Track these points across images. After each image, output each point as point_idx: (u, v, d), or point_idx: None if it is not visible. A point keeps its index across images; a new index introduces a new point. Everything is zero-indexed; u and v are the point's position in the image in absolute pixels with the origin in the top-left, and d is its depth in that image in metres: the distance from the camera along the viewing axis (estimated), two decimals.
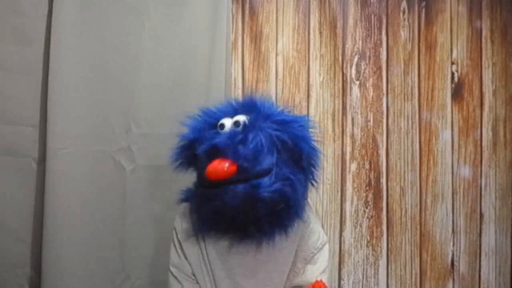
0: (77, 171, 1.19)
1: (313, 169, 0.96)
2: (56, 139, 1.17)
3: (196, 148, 0.92)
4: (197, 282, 0.99)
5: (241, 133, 0.88)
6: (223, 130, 0.92)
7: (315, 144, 0.95)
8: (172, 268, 1.01)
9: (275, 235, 0.93)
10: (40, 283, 1.17)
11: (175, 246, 1.02)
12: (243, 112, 0.94)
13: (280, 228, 0.93)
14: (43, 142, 1.19)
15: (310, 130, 0.96)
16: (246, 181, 0.85)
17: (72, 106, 1.19)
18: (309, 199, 1.03)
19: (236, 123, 0.92)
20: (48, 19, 1.19)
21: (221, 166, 0.84)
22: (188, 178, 1.25)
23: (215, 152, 0.86)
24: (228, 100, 1.08)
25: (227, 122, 0.94)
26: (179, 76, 1.27)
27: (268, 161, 0.87)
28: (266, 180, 0.85)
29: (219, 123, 0.94)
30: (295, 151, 0.91)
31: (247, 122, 0.91)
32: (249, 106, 0.96)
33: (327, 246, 1.02)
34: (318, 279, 0.92)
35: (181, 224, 1.03)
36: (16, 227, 1.20)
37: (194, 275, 0.99)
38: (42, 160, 1.20)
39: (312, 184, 0.98)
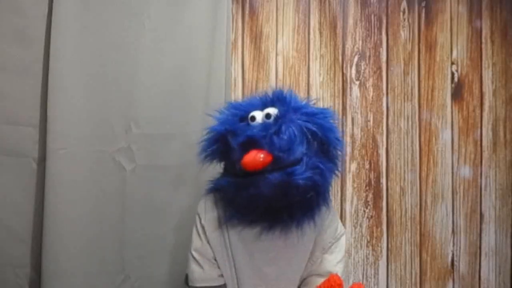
0: (77, 171, 1.19)
1: (337, 160, 0.99)
2: (56, 139, 1.17)
3: (226, 141, 0.94)
4: (218, 267, 1.01)
5: (274, 125, 0.91)
6: (254, 123, 0.95)
7: (339, 135, 0.99)
8: (193, 252, 1.02)
9: (305, 221, 0.96)
10: (40, 283, 1.17)
11: (197, 230, 1.04)
12: (272, 105, 0.97)
13: (309, 215, 0.96)
14: (43, 142, 1.19)
15: (335, 122, 1.00)
16: (280, 169, 0.87)
17: (72, 106, 1.19)
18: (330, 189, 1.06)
19: (268, 116, 0.94)
20: (48, 19, 1.19)
21: (258, 157, 0.86)
22: (189, 177, 1.26)
23: (251, 144, 0.88)
24: (255, 94, 1.11)
25: (258, 115, 0.96)
26: (179, 76, 1.27)
27: (300, 151, 0.90)
28: (298, 168, 0.88)
29: (250, 115, 0.96)
30: (323, 142, 0.94)
31: (278, 114, 0.93)
32: (277, 99, 0.99)
33: (344, 237, 1.05)
34: (334, 272, 0.93)
35: (205, 210, 1.04)
36: (16, 227, 1.20)
37: (215, 259, 1.01)
38: (42, 160, 1.19)
39: (336, 174, 1.01)
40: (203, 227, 1.02)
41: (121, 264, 1.24)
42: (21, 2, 1.19)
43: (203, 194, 1.05)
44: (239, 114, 0.99)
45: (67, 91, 1.18)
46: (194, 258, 1.02)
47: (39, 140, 1.20)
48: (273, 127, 0.90)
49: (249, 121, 0.96)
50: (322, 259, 1.01)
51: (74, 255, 1.18)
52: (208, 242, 1.01)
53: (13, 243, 1.20)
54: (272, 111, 0.95)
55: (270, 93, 1.02)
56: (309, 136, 0.92)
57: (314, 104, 1.04)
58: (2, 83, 1.19)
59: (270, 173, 0.87)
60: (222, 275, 1.01)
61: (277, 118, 0.93)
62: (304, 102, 1.00)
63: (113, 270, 1.24)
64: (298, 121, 0.92)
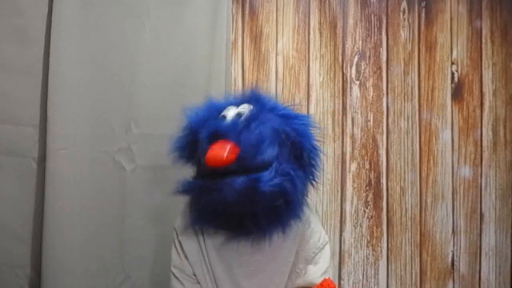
0: (77, 171, 1.19)
1: (313, 168, 0.95)
2: (56, 139, 1.17)
3: (197, 138, 0.91)
4: (198, 282, 0.99)
5: (244, 122, 0.87)
6: (226, 119, 0.92)
7: (316, 143, 0.95)
8: (173, 269, 1.01)
9: (273, 232, 0.92)
10: (40, 283, 1.17)
11: (175, 246, 1.02)
12: (247, 103, 0.94)
13: (278, 225, 0.92)
14: (43, 142, 1.19)
15: (312, 129, 0.96)
16: (246, 173, 0.83)
17: (72, 106, 1.19)
18: (309, 199, 1.03)
19: (239, 114, 0.91)
20: (48, 19, 1.19)
21: (221, 152, 0.81)
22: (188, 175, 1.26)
23: (217, 136, 0.85)
24: (232, 93, 1.08)
25: (231, 112, 0.93)
26: (179, 76, 1.27)
27: (269, 153, 0.86)
28: (266, 174, 0.84)
29: (223, 113, 0.94)
30: (296, 148, 0.90)
31: (251, 112, 0.90)
32: (253, 98, 0.96)
33: (328, 246, 1.01)
34: (326, 277, 0.91)
35: (180, 223, 1.03)
36: (16, 227, 1.20)
37: (195, 275, 0.99)
38: (42, 160, 1.19)
39: (312, 184, 0.98)
40: (180, 243, 1.01)
41: (121, 264, 1.24)
42: (21, 2, 1.19)
43: (171, 194, 0.98)
44: (213, 112, 0.96)
45: (67, 91, 1.18)
46: (174, 275, 1.01)
47: (39, 140, 1.20)
48: (242, 123, 0.87)
49: (222, 118, 0.93)
50: (306, 270, 0.97)
51: (74, 255, 1.18)
52: (186, 257, 1.00)
53: (13, 243, 1.20)
54: (246, 109, 0.92)
55: (247, 92, 0.99)
56: (282, 140, 0.88)
57: (292, 108, 1.00)
58: (2, 83, 1.19)
59: (235, 177, 0.82)
60: None
61: (249, 116, 0.89)
62: (281, 105, 0.96)
63: (113, 270, 1.24)
64: (271, 122, 0.88)
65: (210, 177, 0.86)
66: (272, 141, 0.86)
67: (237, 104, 0.95)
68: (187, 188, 0.94)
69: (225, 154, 0.82)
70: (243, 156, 0.83)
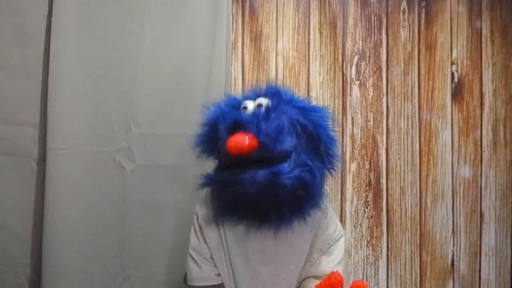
0: (77, 171, 1.19)
1: (331, 158, 0.96)
2: (56, 139, 1.17)
3: (217, 130, 0.93)
4: (215, 266, 1.01)
5: (264, 113, 0.89)
6: (246, 112, 0.94)
7: (333, 134, 0.97)
8: (191, 251, 1.02)
9: (294, 221, 0.94)
10: (40, 283, 1.17)
11: (195, 230, 1.03)
12: (264, 96, 0.96)
13: (299, 215, 0.94)
14: (43, 142, 1.19)
15: (328, 120, 0.98)
16: (266, 163, 0.86)
17: (72, 106, 1.19)
18: (327, 189, 1.04)
19: (259, 106, 0.93)
20: (48, 19, 1.19)
21: (242, 139, 0.84)
22: (188, 177, 1.26)
23: (238, 127, 0.87)
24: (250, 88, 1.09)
25: (250, 105, 0.95)
26: (179, 76, 1.27)
27: (288, 143, 0.88)
28: (285, 167, 0.87)
29: (242, 105, 0.96)
30: (313, 139, 0.92)
31: (269, 104, 0.92)
32: (271, 91, 0.98)
33: (343, 238, 1.03)
34: (334, 270, 0.92)
35: (201, 209, 1.04)
36: (16, 227, 1.20)
37: (212, 258, 1.01)
38: (42, 160, 1.19)
39: (331, 173, 0.99)
40: (200, 227, 1.02)
41: (121, 264, 1.24)
42: (21, 2, 1.19)
43: (196, 189, 1.02)
44: (232, 105, 0.98)
45: (67, 91, 1.18)
46: (192, 257, 1.02)
47: (39, 140, 1.20)
48: (262, 114, 0.89)
49: (242, 111, 0.95)
50: (320, 260, 0.99)
51: (74, 255, 1.18)
52: (205, 241, 1.01)
53: (13, 243, 1.20)
54: (264, 101, 0.94)
55: (264, 86, 1.01)
56: (299, 131, 0.90)
57: (311, 102, 1.02)
58: (2, 83, 1.19)
59: (256, 171, 0.85)
60: (219, 274, 1.01)
61: (268, 107, 0.91)
62: (298, 97, 0.98)
63: (113, 270, 1.24)
64: (289, 113, 0.90)
65: (232, 168, 0.88)
66: (291, 132, 0.89)
67: (255, 98, 0.97)
68: (209, 182, 0.97)
69: (247, 141, 0.84)
70: (263, 144, 0.85)
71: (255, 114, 0.90)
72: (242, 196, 0.89)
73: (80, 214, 1.19)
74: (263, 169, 0.85)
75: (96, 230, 1.21)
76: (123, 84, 1.24)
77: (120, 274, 1.24)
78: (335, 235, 1.01)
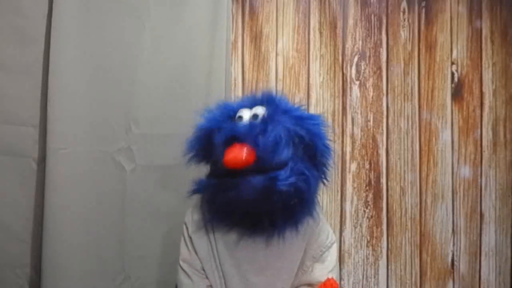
0: (77, 171, 1.19)
1: (324, 168, 0.97)
2: (56, 139, 1.17)
3: (212, 139, 0.92)
4: (207, 277, 1.00)
5: (261, 125, 0.89)
6: (241, 122, 0.93)
7: (328, 143, 0.97)
8: (182, 263, 1.01)
9: (287, 230, 0.94)
10: (40, 283, 1.17)
11: (185, 240, 1.02)
12: (260, 105, 0.95)
13: (292, 223, 0.94)
14: (43, 142, 1.19)
15: (324, 128, 0.97)
16: (263, 172, 0.85)
17: (72, 106, 1.19)
18: (318, 198, 1.04)
19: (255, 116, 0.93)
20: (48, 19, 1.19)
21: (240, 154, 0.83)
22: (189, 178, 1.26)
23: (234, 140, 0.86)
24: (246, 95, 1.08)
25: (246, 114, 0.94)
26: (179, 76, 1.27)
27: (285, 153, 0.88)
28: (282, 173, 0.86)
29: (238, 115, 0.95)
30: (309, 148, 0.92)
31: (265, 115, 0.92)
32: (266, 100, 0.97)
33: (335, 245, 1.03)
34: (329, 277, 0.92)
35: (191, 217, 1.03)
36: (16, 227, 1.20)
37: (203, 270, 1.00)
38: (42, 160, 1.19)
39: (323, 183, 0.99)
40: (190, 238, 1.01)
41: (121, 264, 1.24)
42: (21, 2, 1.19)
43: (186, 196, 1.00)
44: (227, 113, 0.97)
45: (67, 91, 1.18)
46: (182, 269, 1.00)
47: (39, 140, 1.20)
48: (259, 126, 0.88)
49: (237, 121, 0.94)
50: (313, 268, 0.98)
51: (74, 255, 1.18)
52: (195, 252, 1.00)
53: (13, 243, 1.20)
54: (260, 111, 0.93)
55: (260, 94, 1.00)
56: (296, 140, 0.90)
57: (304, 109, 1.01)
58: (2, 83, 1.19)
59: (253, 176, 0.84)
60: (211, 286, 0.99)
61: (264, 118, 0.91)
62: (294, 106, 0.98)
63: (113, 270, 1.24)
64: (286, 123, 0.90)
65: (227, 176, 0.87)
66: (288, 142, 0.88)
67: (250, 106, 0.96)
68: (202, 187, 0.96)
69: (244, 155, 0.83)
70: (261, 157, 0.85)
71: (251, 125, 0.90)
72: (237, 200, 0.88)
73: (80, 214, 1.19)
74: (260, 175, 0.85)
75: (96, 230, 1.21)
76: (123, 84, 1.24)
77: (120, 274, 1.24)
78: (327, 242, 1.01)
